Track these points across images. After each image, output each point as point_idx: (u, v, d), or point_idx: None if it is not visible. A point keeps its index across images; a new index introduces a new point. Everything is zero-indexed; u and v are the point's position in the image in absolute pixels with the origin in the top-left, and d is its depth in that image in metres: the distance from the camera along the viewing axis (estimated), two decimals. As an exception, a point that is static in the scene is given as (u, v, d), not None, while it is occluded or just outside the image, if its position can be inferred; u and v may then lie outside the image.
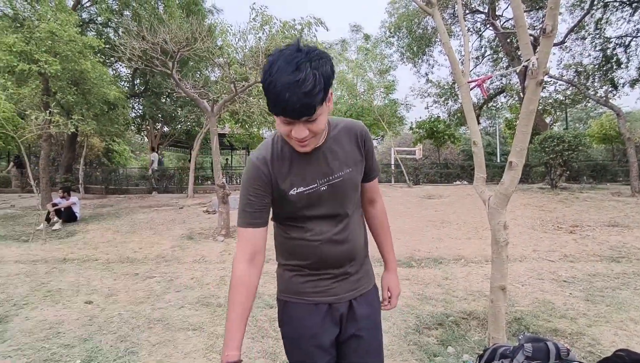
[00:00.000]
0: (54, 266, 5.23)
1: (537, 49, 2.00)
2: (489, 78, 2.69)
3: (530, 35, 11.99)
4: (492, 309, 2.34)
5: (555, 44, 9.90)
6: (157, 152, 18.71)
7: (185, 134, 18.91)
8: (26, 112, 8.10)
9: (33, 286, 4.28)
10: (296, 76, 0.95)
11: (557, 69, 16.00)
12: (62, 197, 8.63)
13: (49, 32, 8.25)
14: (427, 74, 19.43)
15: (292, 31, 9.73)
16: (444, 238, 6.56)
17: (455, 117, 19.38)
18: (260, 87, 9.00)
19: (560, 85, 16.26)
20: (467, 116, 2.59)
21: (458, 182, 16.76)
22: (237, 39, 9.15)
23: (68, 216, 8.42)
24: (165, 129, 19.40)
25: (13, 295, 3.97)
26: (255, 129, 15.90)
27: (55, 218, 8.21)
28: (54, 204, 8.34)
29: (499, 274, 2.32)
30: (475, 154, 2.56)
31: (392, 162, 19.02)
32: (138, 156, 31.84)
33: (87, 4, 13.86)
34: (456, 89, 18.79)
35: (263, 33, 9.55)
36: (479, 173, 2.54)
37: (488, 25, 16.13)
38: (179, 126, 17.69)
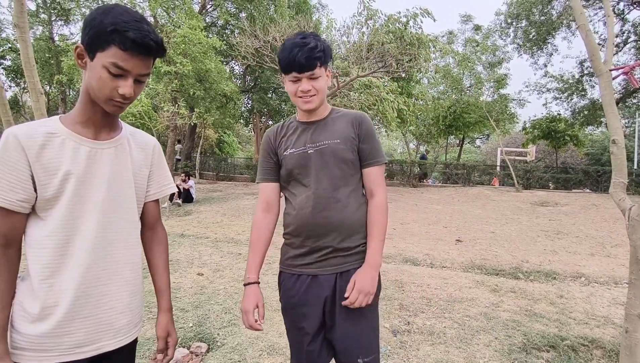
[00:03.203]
0: (174, 239, 6.00)
1: None
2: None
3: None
4: (627, 340, 1.97)
5: None
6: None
7: (287, 128, 19.95)
8: (159, 106, 9.41)
9: (158, 255, 4.96)
10: (302, 41, 1.28)
11: None
12: (183, 180, 9.85)
13: (182, 37, 9.42)
14: (545, 65, 17.27)
15: (397, 24, 9.51)
16: (559, 251, 5.78)
17: (581, 115, 16.87)
18: (361, 81, 9.00)
19: None
20: (606, 110, 2.21)
21: (578, 189, 14.61)
22: (340, 34, 9.27)
23: (186, 197, 9.58)
24: (270, 122, 20.73)
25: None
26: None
27: (177, 199, 9.42)
28: (177, 186, 9.58)
29: (638, 300, 1.94)
30: (615, 155, 2.17)
31: (498, 163, 17.43)
32: (244, 147, 34.71)
33: (210, 9, 15.46)
34: (584, 83, 16.36)
35: (367, 27, 9.52)
36: (618, 177, 2.15)
37: (635, 6, 13.60)
38: (283, 119, 18.75)
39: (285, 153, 1.40)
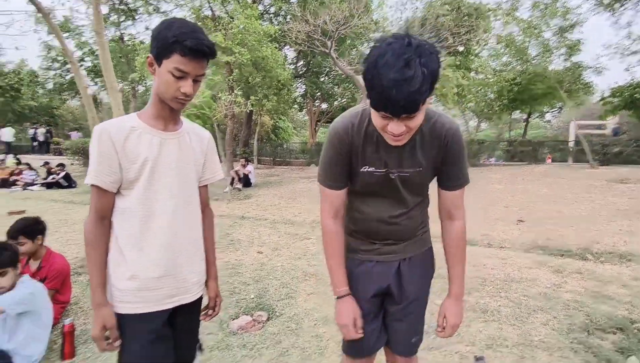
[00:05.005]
0: (235, 221, 6.42)
1: None
2: None
3: None
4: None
5: None
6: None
7: (341, 111, 19.99)
8: (217, 96, 9.90)
9: (221, 235, 5.36)
10: (405, 74, 0.91)
11: None
12: (243, 165, 10.37)
13: (238, 27, 9.72)
14: (629, 24, 15.31)
15: (453, -5, 9.01)
16: (639, 231, 5.29)
17: (673, 79, 14.82)
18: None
19: None
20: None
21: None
22: (393, 11, 9.04)
23: (246, 182, 10.11)
24: (323, 106, 20.86)
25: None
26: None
27: (238, 184, 9.98)
28: (236, 172, 10.12)
29: None
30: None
31: (571, 138, 15.98)
32: (299, 132, 35.28)
33: (262, -2, 15.73)
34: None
35: (420, 1, 9.15)
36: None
37: None
38: (336, 102, 18.80)
39: (362, 169, 1.25)
